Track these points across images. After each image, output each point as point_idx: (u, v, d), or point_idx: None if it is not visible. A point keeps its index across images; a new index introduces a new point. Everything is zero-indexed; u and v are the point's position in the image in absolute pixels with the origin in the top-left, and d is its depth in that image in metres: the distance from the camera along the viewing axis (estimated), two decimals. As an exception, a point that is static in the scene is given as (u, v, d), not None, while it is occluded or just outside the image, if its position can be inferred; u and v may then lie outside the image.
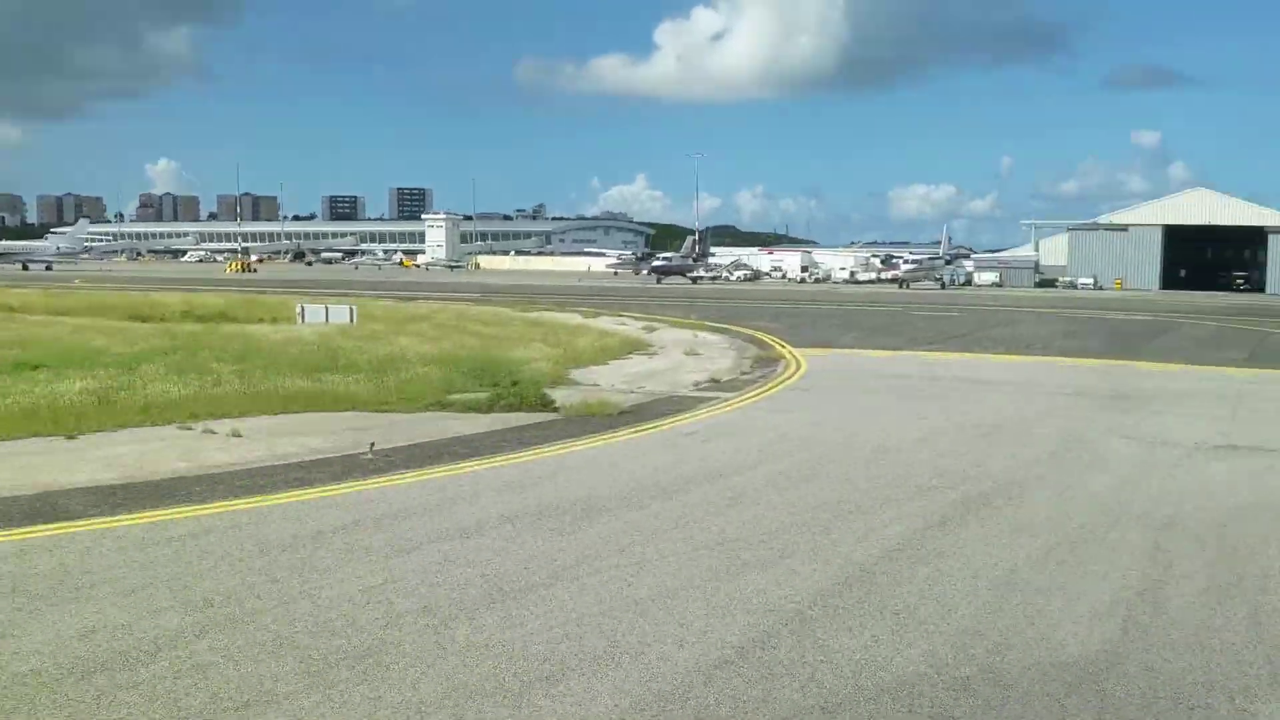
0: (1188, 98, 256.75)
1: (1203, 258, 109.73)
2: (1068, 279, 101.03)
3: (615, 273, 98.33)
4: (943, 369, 24.37)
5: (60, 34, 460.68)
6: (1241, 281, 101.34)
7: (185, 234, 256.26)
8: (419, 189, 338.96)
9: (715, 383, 20.83)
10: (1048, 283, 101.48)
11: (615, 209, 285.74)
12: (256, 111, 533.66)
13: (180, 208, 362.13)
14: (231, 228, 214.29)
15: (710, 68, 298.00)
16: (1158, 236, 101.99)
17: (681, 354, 26.09)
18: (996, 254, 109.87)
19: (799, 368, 24.16)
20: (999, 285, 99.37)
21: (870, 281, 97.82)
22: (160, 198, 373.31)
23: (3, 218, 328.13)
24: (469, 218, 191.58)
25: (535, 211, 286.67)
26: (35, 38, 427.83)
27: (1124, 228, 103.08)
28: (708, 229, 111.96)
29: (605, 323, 35.58)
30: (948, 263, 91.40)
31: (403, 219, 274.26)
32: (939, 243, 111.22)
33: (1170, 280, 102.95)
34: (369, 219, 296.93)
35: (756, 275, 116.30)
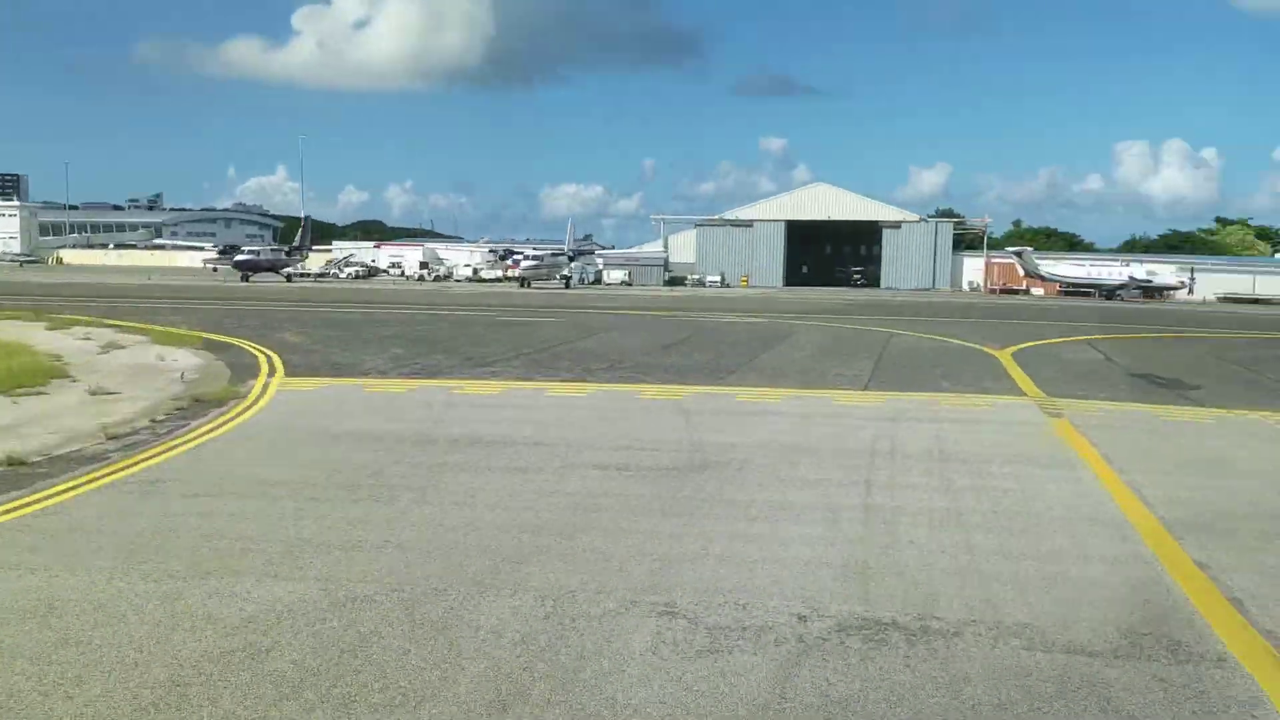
0: (808, 105, 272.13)
1: (823, 253, 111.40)
2: (696, 276, 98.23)
3: (214, 269, 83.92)
4: (455, 419, 15.47)
5: None
6: (859, 277, 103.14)
7: None
8: (11, 175, 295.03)
9: (104, 439, 12.75)
10: (677, 280, 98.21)
11: (253, 201, 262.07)
12: None
13: None
14: None
15: (354, 56, 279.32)
16: (781, 232, 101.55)
17: (87, 391, 16.84)
18: (627, 250, 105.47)
19: (252, 408, 15.60)
20: (628, 284, 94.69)
21: (495, 280, 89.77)
22: None
23: None
24: (75, 207, 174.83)
25: (151, 202, 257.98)
26: None
27: (749, 224, 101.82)
28: (308, 219, 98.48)
29: (60, 338, 25.93)
30: (572, 259, 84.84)
31: None
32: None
33: (793, 276, 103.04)
34: None
35: (371, 272, 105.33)
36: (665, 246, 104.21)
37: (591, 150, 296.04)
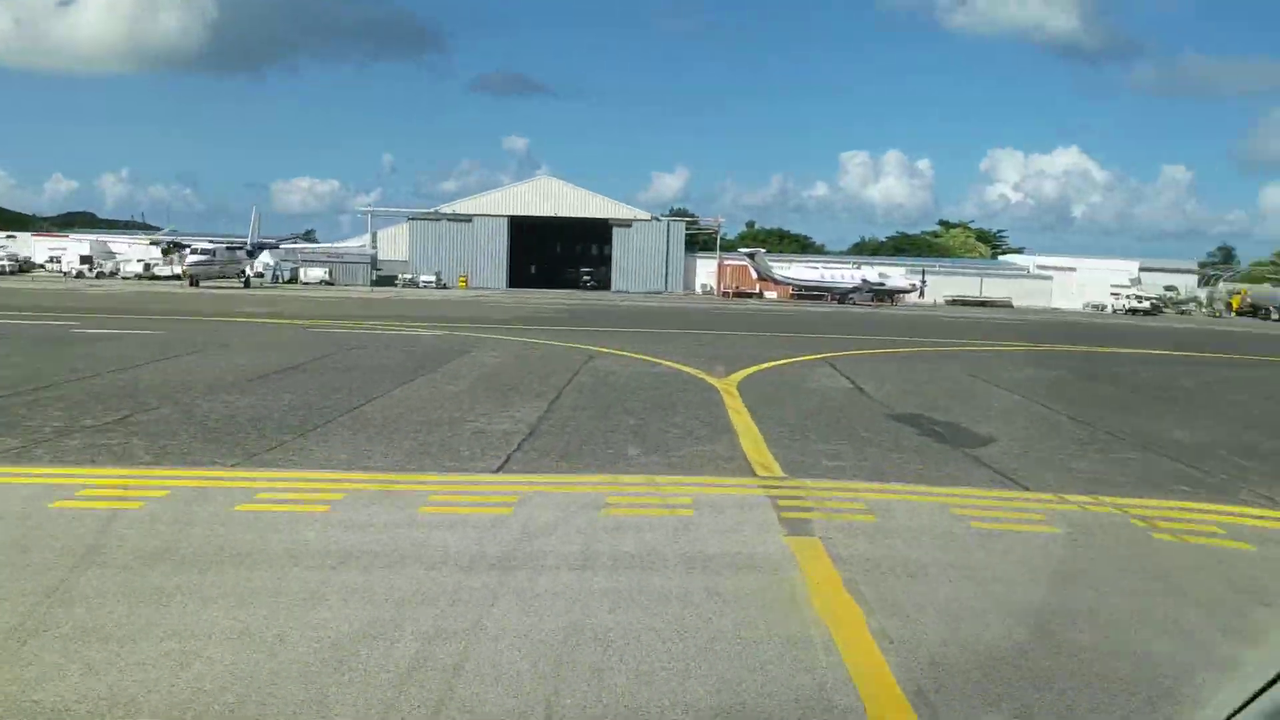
0: (551, 106, 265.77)
1: (553, 253, 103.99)
2: (408, 276, 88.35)
3: None
4: None
5: None
6: (589, 278, 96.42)
7: None
8: None
9: None
10: (386, 280, 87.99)
11: None
12: None
13: None
14: None
15: (58, 36, 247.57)
16: (503, 229, 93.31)
17: None
18: (331, 246, 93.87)
19: None
20: (328, 283, 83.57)
21: (168, 278, 76.26)
22: None
23: None
24: None
25: None
26: None
27: (468, 219, 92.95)
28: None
29: None
30: (252, 254, 72.72)
31: None
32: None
33: (520, 277, 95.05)
34: None
35: (22, 268, 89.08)
36: (373, 242, 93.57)
37: (327, 144, 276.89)
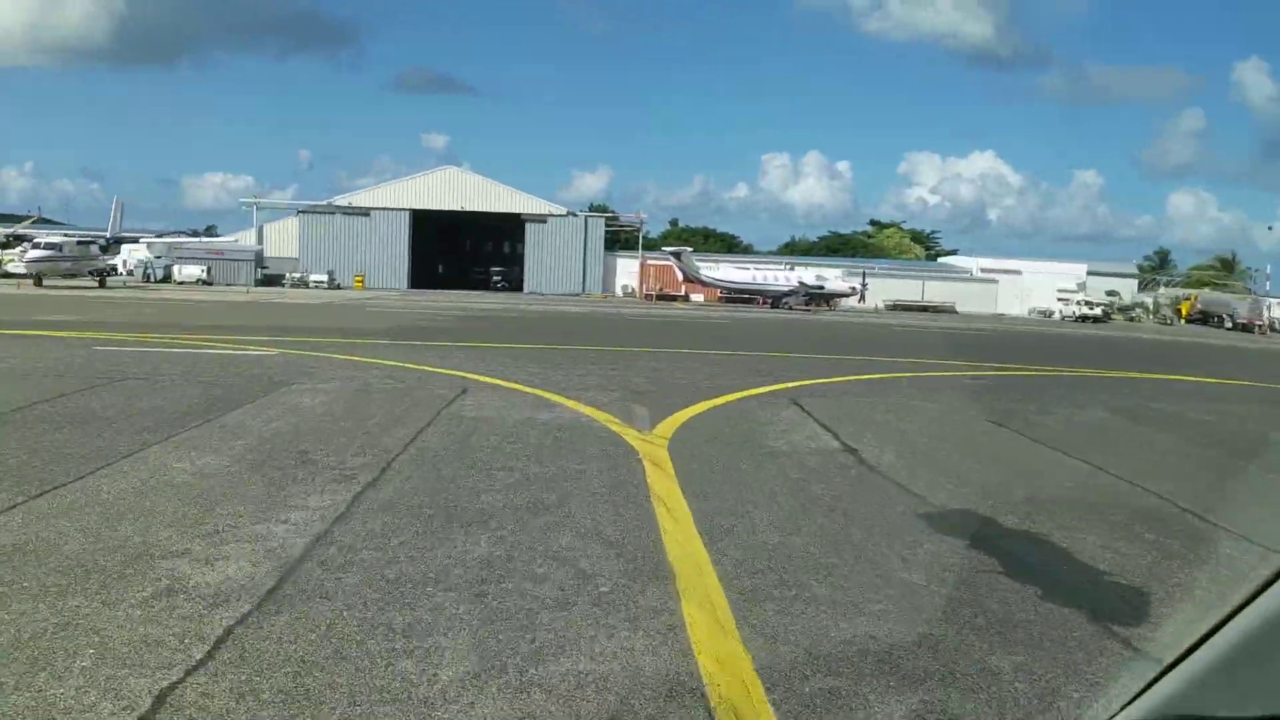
0: (470, 105, 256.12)
1: (461, 250, 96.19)
2: (298, 274, 79.85)
3: None
4: None
5: None
6: (499, 279, 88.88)
7: None
8: None
9: None
10: (274, 279, 79.38)
11: None
12: None
13: None
14: None
15: None
16: (404, 223, 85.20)
17: None
18: (211, 241, 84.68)
19: None
20: (207, 282, 74.70)
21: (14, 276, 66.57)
22: None
23: None
24: None
25: None
26: None
27: (365, 212, 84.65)
28: None
29: None
30: (105, 248, 63.51)
31: None
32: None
33: (425, 276, 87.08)
34: None
35: None
36: (259, 237, 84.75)
37: (241, 140, 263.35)
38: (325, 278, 78.65)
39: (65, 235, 62.09)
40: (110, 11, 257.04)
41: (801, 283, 70.73)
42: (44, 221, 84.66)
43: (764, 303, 74.66)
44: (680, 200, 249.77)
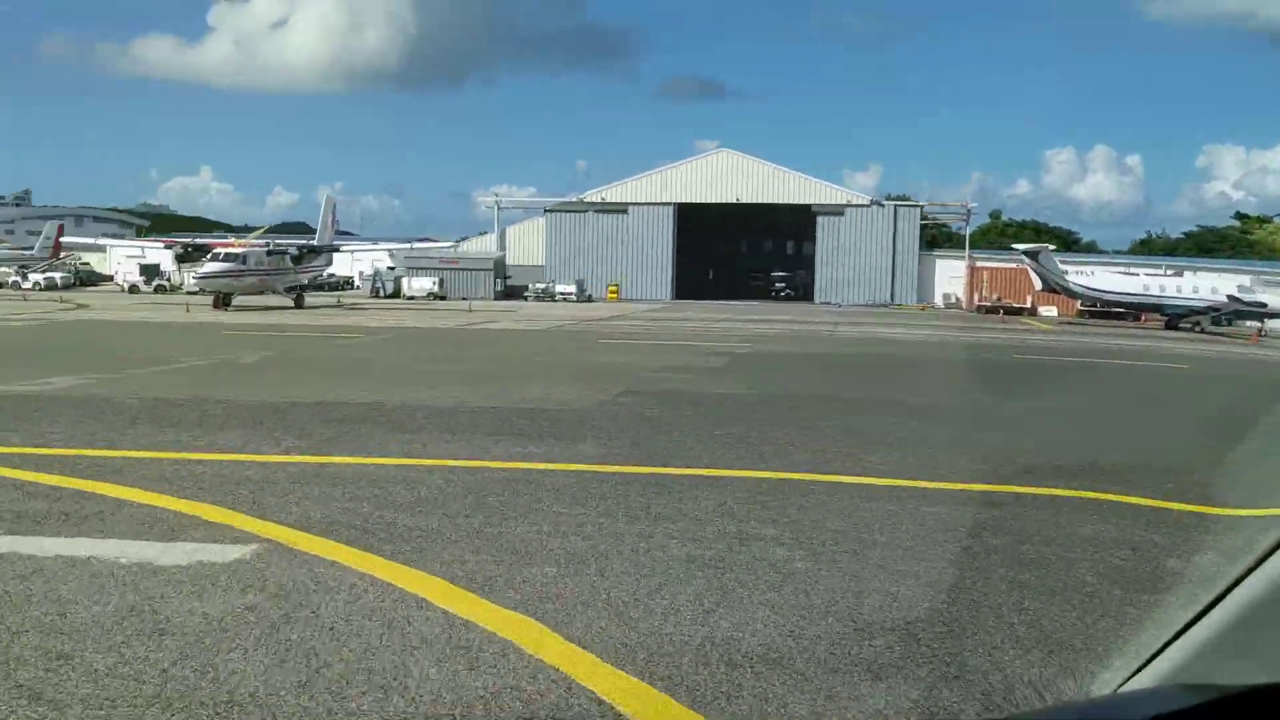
0: (738, 109, 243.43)
1: (734, 251, 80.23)
2: (542, 285, 66.37)
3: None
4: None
5: None
6: (783, 286, 72.22)
7: None
8: None
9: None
10: (516, 290, 66.32)
11: (174, 202, 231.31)
12: None
13: None
14: None
15: (272, 56, 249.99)
16: (669, 220, 69.98)
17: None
18: (442, 246, 72.55)
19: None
20: (440, 296, 62.48)
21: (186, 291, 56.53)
22: None
23: None
24: None
25: (19, 199, 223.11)
26: None
27: (622, 208, 70.11)
28: None
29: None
30: (299, 257, 51.48)
31: None
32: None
33: (689, 284, 71.79)
34: None
35: (84, 280, 73.35)
36: (501, 242, 72.16)
37: (521, 152, 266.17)
38: (574, 288, 64.75)
39: (254, 243, 50.80)
40: (403, 38, 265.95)
41: (1231, 297, 49.24)
42: (278, 230, 75.48)
43: (1144, 320, 53.99)
44: (957, 199, 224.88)
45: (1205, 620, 1.85)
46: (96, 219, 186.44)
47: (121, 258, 76.89)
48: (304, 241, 53.50)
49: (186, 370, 20.11)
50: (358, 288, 68.94)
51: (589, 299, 65.05)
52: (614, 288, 67.48)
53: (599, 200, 70.54)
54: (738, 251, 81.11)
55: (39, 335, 29.94)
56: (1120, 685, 1.98)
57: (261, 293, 47.51)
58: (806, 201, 69.83)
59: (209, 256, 46.14)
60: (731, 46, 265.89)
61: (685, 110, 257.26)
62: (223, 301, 45.15)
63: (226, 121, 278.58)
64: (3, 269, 74.64)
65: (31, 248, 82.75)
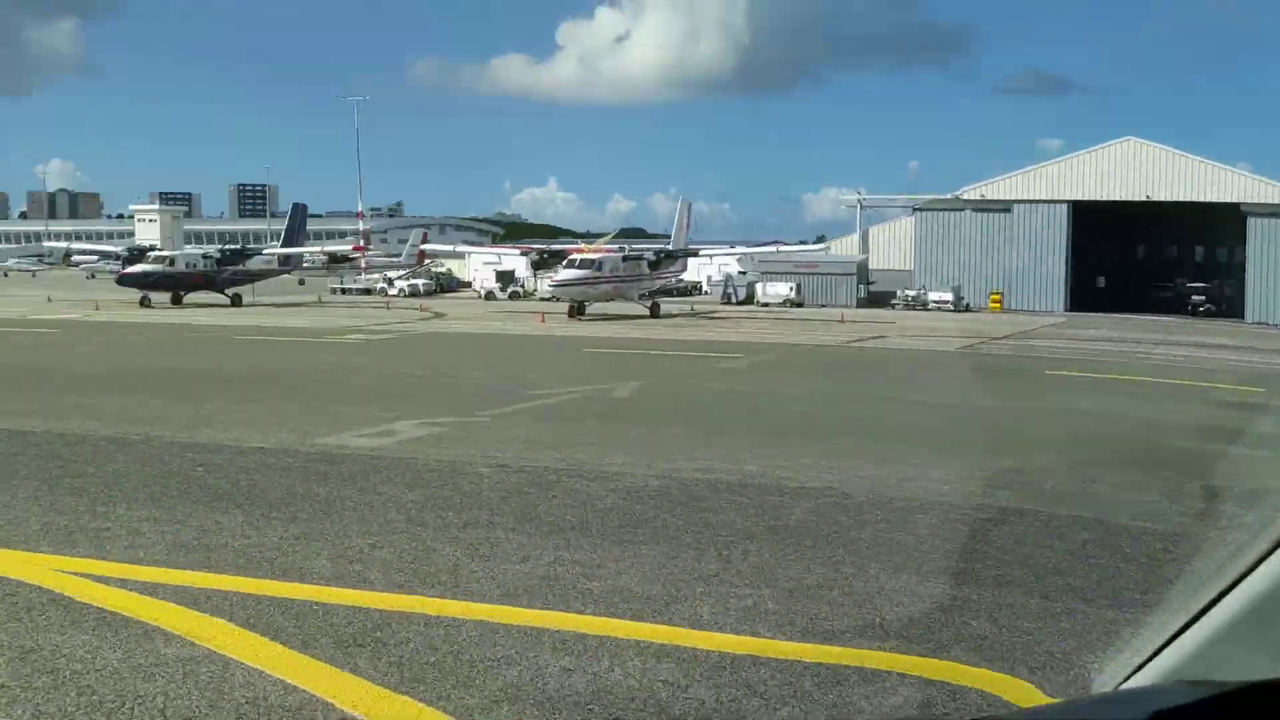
0: (1081, 103, 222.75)
1: (1133, 256, 69.16)
2: (911, 292, 59.42)
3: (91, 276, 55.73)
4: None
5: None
6: (1201, 300, 60.82)
7: None
8: (260, 185, 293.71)
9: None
10: (880, 298, 59.88)
11: (524, 212, 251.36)
12: (140, 108, 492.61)
13: None
14: (35, 227, 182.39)
15: (613, 69, 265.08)
16: (1062, 220, 60.74)
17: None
18: (798, 249, 67.02)
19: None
20: (796, 303, 57.33)
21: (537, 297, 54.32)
22: None
23: None
24: (317, 215, 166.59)
25: (393, 210, 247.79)
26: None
27: (1005, 206, 61.59)
28: (299, 207, 65.99)
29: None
30: (656, 263, 47.16)
31: (242, 217, 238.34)
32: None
33: (1084, 294, 62.13)
34: (204, 217, 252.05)
35: (444, 286, 74.67)
36: (864, 244, 65.79)
37: (850, 154, 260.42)
38: (950, 296, 57.27)
39: (605, 248, 47.70)
40: (739, 44, 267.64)
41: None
42: (623, 235, 73.43)
43: None
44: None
45: (1207, 617, 1.83)
46: (457, 228, 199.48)
47: (479, 264, 77.55)
48: (659, 246, 49.79)
49: (554, 409, 15.82)
50: (707, 293, 65.25)
51: (967, 308, 57.36)
52: (996, 296, 59.22)
53: (977, 198, 62.43)
54: (1134, 257, 69.90)
55: (393, 353, 27.46)
56: (1122, 682, 1.96)
57: (615, 299, 44.24)
58: (1233, 199, 58.15)
59: (564, 263, 43.44)
60: (1074, 39, 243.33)
61: (1024, 108, 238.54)
62: (577, 310, 42.26)
63: (570, 134, 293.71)
64: (373, 276, 78.24)
65: (399, 254, 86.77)
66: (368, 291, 72.31)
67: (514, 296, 65.68)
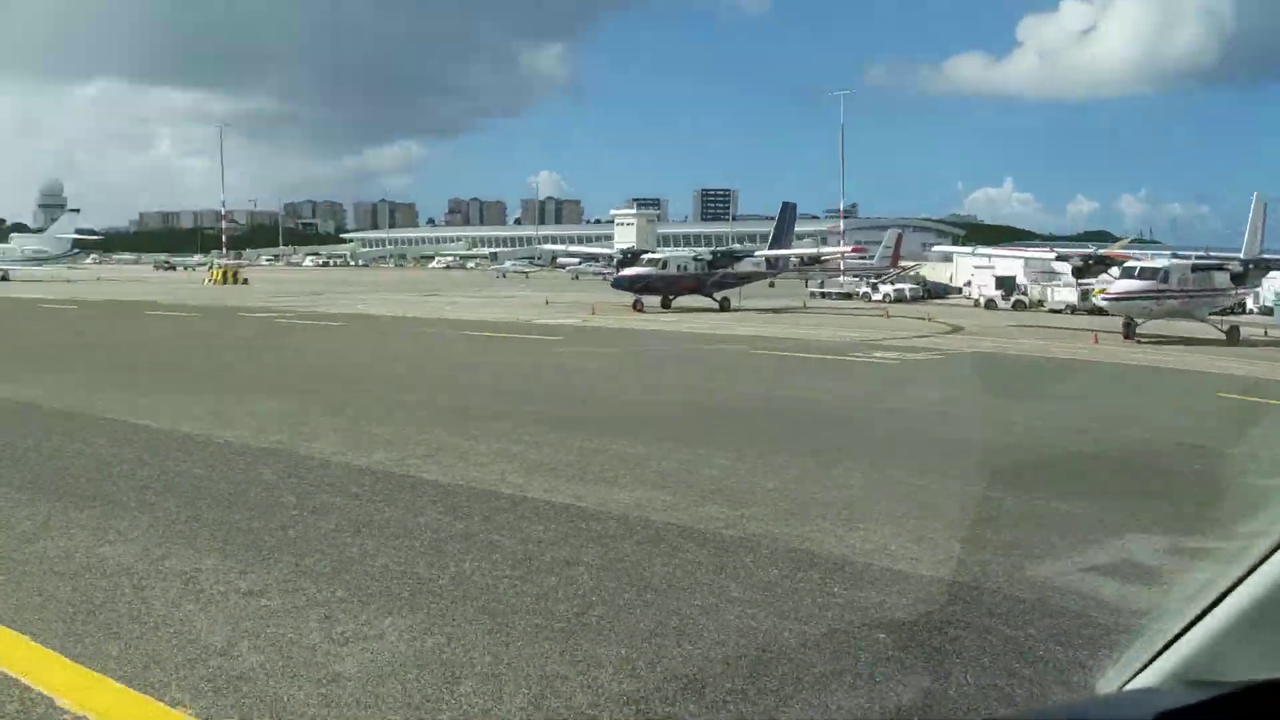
0: None
1: None
2: None
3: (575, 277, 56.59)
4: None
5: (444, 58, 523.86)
6: None
7: (457, 239, 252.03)
8: (723, 190, 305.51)
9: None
10: None
11: (979, 212, 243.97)
12: (614, 120, 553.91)
13: (485, 212, 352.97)
14: (528, 231, 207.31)
15: (1076, 63, 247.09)
16: None
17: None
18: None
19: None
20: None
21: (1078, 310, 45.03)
22: (467, 203, 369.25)
23: (315, 223, 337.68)
24: (769, 218, 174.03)
25: (849, 211, 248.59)
26: (424, 63, 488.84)
27: None
28: (789, 206, 61.42)
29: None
30: (1238, 274, 36.01)
31: (704, 220, 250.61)
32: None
33: None
34: (670, 220, 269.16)
35: (931, 292, 68.30)
36: None
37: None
38: None
39: (1180, 255, 38.21)
40: (1222, 33, 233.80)
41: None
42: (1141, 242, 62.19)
43: None
44: None
45: (1210, 617, 1.82)
46: (916, 228, 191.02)
47: (970, 269, 69.86)
48: (1237, 256, 39.26)
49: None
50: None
51: None
52: None
53: None
54: None
55: (956, 384, 21.64)
56: (1125, 682, 1.96)
57: (1177, 317, 35.20)
58: None
59: (1123, 270, 35.15)
60: None
61: None
62: (1131, 332, 33.90)
63: (1028, 132, 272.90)
64: (849, 279, 73.52)
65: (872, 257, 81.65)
66: (847, 296, 67.74)
67: (1018, 306, 57.57)
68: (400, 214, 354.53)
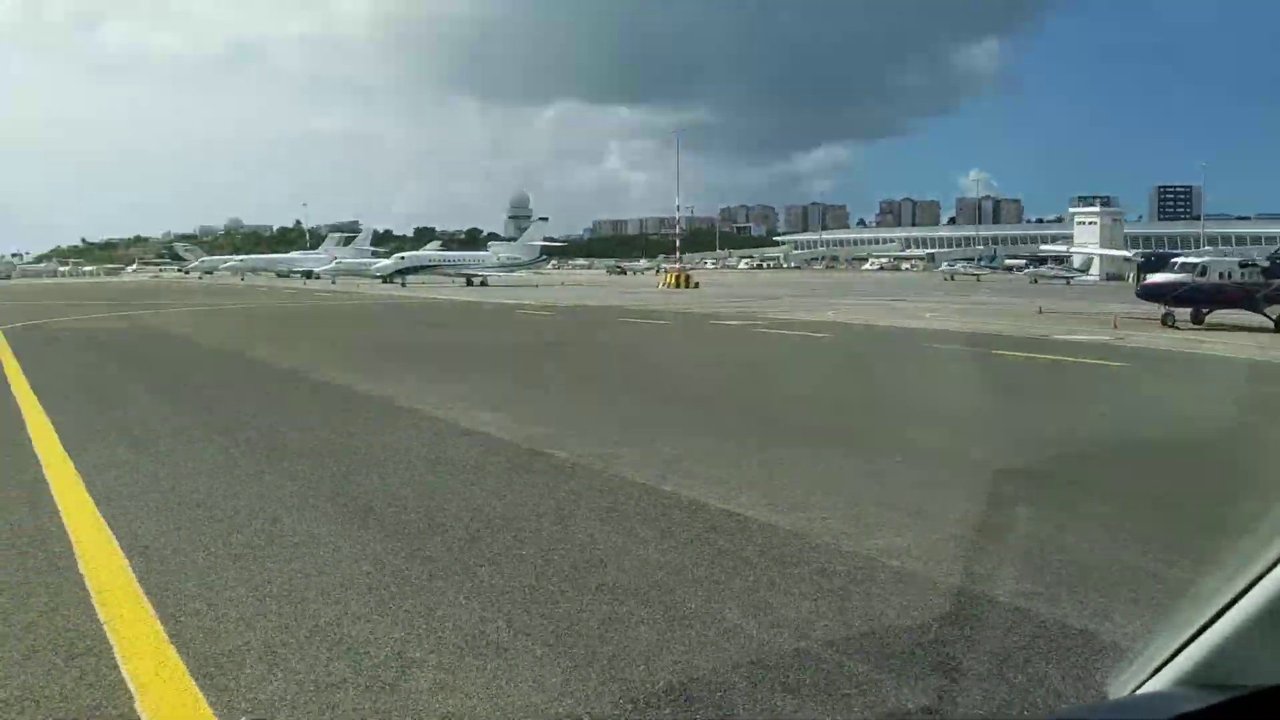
0: None
1: None
2: None
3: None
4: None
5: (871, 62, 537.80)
6: None
7: (889, 240, 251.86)
8: (1184, 187, 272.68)
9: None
10: None
11: None
12: (1051, 116, 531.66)
13: (918, 213, 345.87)
14: (966, 231, 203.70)
15: None
16: None
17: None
18: None
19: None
20: None
21: None
22: (899, 204, 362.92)
23: (749, 227, 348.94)
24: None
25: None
26: (850, 67, 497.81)
27: None
28: None
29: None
30: None
31: (1162, 220, 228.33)
32: None
33: None
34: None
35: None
36: None
37: None
38: None
39: None
40: None
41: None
42: None
43: None
44: None
45: (1222, 620, 1.81)
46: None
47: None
48: None
49: None
50: None
51: None
52: None
53: None
54: None
55: None
56: (1138, 686, 1.95)
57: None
58: None
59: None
60: None
61: None
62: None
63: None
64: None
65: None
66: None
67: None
68: (830, 216, 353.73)
